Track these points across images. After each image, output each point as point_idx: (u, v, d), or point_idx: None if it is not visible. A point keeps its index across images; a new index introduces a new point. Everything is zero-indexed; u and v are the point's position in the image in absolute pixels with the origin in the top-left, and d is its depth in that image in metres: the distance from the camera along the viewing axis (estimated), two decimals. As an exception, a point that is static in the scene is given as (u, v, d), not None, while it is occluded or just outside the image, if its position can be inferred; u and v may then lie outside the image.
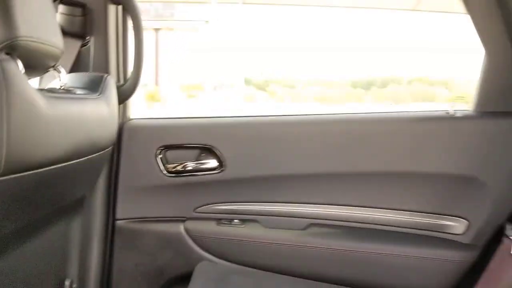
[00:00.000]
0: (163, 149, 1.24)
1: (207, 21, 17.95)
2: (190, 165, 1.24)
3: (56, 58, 0.81)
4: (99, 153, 0.96)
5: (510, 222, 1.11)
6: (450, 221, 1.20)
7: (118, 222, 1.24)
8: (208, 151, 1.24)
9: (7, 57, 0.65)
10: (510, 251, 1.09)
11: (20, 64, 0.69)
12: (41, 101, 0.70)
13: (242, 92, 12.11)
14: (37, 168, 0.70)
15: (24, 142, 0.65)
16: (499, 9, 1.09)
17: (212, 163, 1.23)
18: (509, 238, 1.09)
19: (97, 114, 0.92)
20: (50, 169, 0.74)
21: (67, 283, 1.04)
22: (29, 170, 0.68)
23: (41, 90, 0.78)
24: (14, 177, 0.64)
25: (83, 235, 1.13)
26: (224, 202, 1.26)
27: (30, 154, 0.68)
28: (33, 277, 0.94)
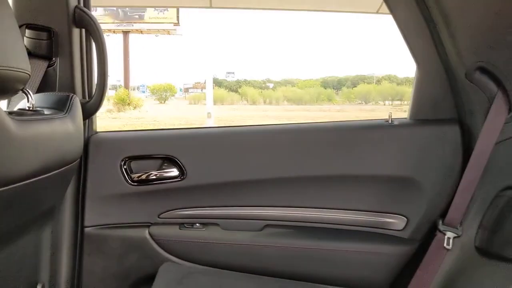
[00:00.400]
0: (128, 160, 1.33)
1: (176, 23, 17.83)
2: (154, 174, 1.33)
3: (24, 81, 0.89)
4: (67, 166, 1.04)
5: (442, 218, 1.25)
6: (391, 218, 1.33)
7: (87, 229, 1.32)
8: (170, 161, 1.33)
9: None
10: (443, 243, 1.23)
11: None
12: (11, 125, 0.79)
13: (211, 94, 12.19)
14: (9, 185, 0.78)
15: None
16: (427, 27, 1.23)
17: (174, 171, 1.33)
18: (442, 232, 1.23)
19: (64, 132, 1.01)
20: (21, 184, 0.82)
21: (39, 287, 1.12)
22: (1, 186, 0.76)
23: (11, 113, 0.86)
24: None
25: (54, 242, 1.20)
26: (186, 208, 1.36)
27: (2, 172, 0.76)
28: (6, 281, 1.01)
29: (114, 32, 17.36)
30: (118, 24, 16.91)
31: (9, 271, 1.02)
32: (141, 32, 17.63)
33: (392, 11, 1.24)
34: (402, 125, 1.32)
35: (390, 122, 1.32)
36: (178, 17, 17.01)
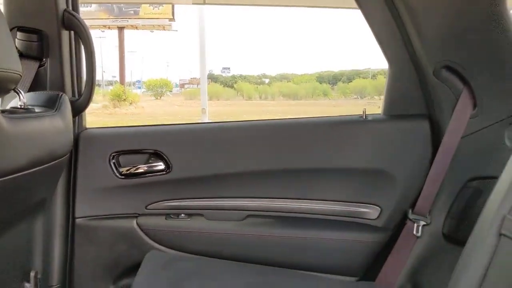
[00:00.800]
0: (116, 154, 1.40)
1: (171, 19, 17.76)
2: (141, 168, 1.41)
3: (16, 81, 0.96)
4: (57, 161, 1.11)
5: (412, 208, 1.33)
6: (365, 208, 1.41)
7: (78, 220, 1.39)
8: (156, 155, 1.40)
9: None
10: (413, 231, 1.31)
11: None
12: (3, 122, 0.86)
13: (205, 90, 12.24)
14: (2, 177, 0.85)
15: None
16: (396, 26, 1.30)
17: (160, 165, 1.40)
18: (411, 221, 1.31)
19: (54, 128, 1.08)
20: (14, 177, 0.90)
21: (32, 274, 1.19)
22: None
23: (3, 111, 0.93)
24: None
25: (46, 232, 1.27)
26: (172, 199, 1.43)
27: None
28: (2, 269, 1.09)
29: (109, 27, 17.33)
30: (113, 19, 16.88)
31: (4, 258, 1.10)
32: (136, 27, 17.61)
33: (362, 7, 1.31)
34: (375, 121, 1.40)
35: (364, 117, 1.40)
36: (173, 12, 16.99)
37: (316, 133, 1.42)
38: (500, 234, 0.78)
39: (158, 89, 20.30)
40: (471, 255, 0.82)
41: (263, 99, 21.37)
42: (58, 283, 1.33)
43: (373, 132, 1.39)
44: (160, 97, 20.12)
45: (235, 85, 22.89)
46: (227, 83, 23.55)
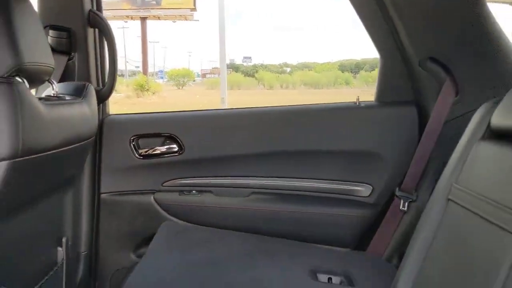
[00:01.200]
0: (136, 137, 1.57)
1: (193, 9, 17.84)
2: (157, 150, 1.58)
3: (49, 73, 1.14)
4: (84, 142, 1.29)
5: (400, 185, 1.46)
6: (358, 186, 1.55)
7: (102, 195, 1.57)
8: (171, 138, 1.57)
9: (18, 80, 0.98)
10: (399, 207, 1.44)
11: (26, 82, 1.02)
12: (41, 108, 1.03)
13: (225, 80, 12.40)
14: (40, 153, 1.03)
15: (32, 135, 0.98)
16: (383, 18, 1.41)
17: (175, 147, 1.57)
18: (398, 197, 1.44)
19: (81, 114, 1.26)
20: (48, 153, 1.07)
21: (64, 240, 1.38)
22: (35, 154, 1.01)
23: (40, 99, 1.11)
24: (27, 159, 0.97)
25: (75, 204, 1.46)
26: (185, 177, 1.60)
27: (36, 143, 1.01)
28: (38, 234, 1.27)
29: (132, 18, 17.63)
30: (136, 10, 17.15)
31: (39, 226, 1.28)
32: (159, 18, 17.85)
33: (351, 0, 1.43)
34: (368, 107, 1.54)
35: (358, 104, 1.54)
36: (194, 2, 17.15)
37: (315, 118, 1.56)
38: (448, 200, 0.92)
39: (180, 79, 20.58)
40: (425, 219, 0.97)
41: (284, 88, 21.41)
42: (86, 250, 1.52)
43: (365, 117, 1.53)
44: (182, 87, 20.39)
45: (256, 75, 23.02)
46: (248, 72, 23.67)
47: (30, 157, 0.98)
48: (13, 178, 0.95)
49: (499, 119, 0.90)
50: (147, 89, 16.08)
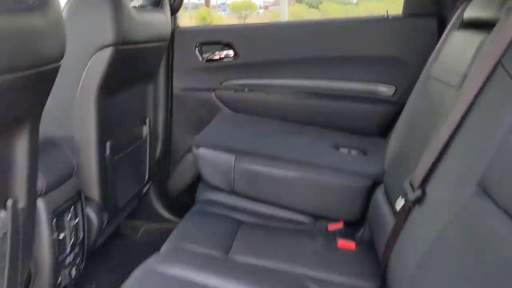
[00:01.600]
0: (200, 44, 1.94)
1: None
2: (218, 55, 1.94)
3: None
4: (161, 42, 1.67)
5: None
6: (384, 87, 1.83)
7: (175, 90, 1.98)
8: (228, 45, 1.92)
9: None
10: None
11: None
12: (133, 12, 1.41)
13: (286, 12, 12.33)
14: (133, 44, 1.42)
15: (128, 30, 1.36)
16: None
17: (231, 53, 1.93)
18: None
19: (159, 19, 1.63)
20: (138, 46, 1.46)
21: (147, 120, 1.79)
22: (130, 44, 1.40)
23: (132, 7, 1.48)
24: (124, 48, 1.36)
25: (154, 96, 1.86)
26: (239, 78, 1.95)
27: (130, 36, 1.39)
28: (129, 111, 1.67)
29: None
30: None
31: (130, 106, 1.68)
32: None
33: None
34: (394, 19, 1.80)
35: (386, 17, 1.80)
36: None
37: (348, 29, 1.85)
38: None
39: (242, 11, 20.52)
40: None
41: (347, 21, 20.73)
42: (162, 133, 1.95)
43: (392, 27, 1.79)
44: (244, 20, 20.38)
45: (320, 6, 22.40)
46: (312, 4, 23.06)
47: (127, 46, 1.38)
48: (115, 62, 1.35)
49: (469, 12, 1.16)
50: (210, 22, 16.26)
